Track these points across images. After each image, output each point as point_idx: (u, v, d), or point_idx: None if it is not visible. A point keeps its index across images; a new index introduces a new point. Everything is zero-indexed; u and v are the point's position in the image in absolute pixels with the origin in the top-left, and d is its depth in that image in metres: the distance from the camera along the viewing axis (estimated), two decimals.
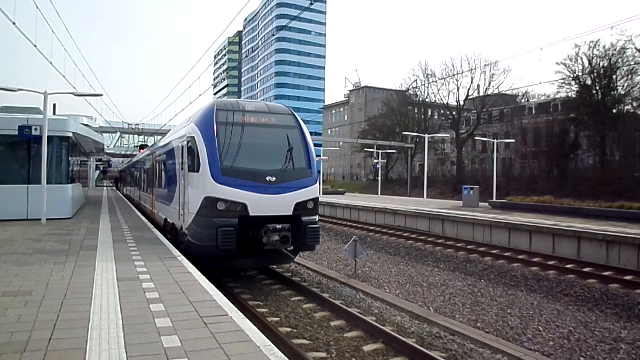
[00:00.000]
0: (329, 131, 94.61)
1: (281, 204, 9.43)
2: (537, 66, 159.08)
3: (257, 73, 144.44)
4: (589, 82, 42.50)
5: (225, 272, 11.03)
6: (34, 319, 4.89)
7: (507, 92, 56.14)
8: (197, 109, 11.43)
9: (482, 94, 56.32)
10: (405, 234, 20.47)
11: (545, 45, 68.78)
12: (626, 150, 42.13)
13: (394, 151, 58.78)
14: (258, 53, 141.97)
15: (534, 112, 53.54)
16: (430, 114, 64.18)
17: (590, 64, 41.93)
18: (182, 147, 10.91)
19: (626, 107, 43.53)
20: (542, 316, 9.04)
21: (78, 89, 21.14)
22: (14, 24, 13.21)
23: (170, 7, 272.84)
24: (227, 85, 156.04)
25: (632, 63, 40.16)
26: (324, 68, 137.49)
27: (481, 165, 54.40)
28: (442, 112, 61.52)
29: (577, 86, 43.57)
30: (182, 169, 10.81)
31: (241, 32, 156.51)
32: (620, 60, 40.86)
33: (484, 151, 54.70)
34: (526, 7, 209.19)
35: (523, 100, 59.81)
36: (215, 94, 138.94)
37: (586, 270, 13.02)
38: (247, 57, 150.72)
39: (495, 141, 34.58)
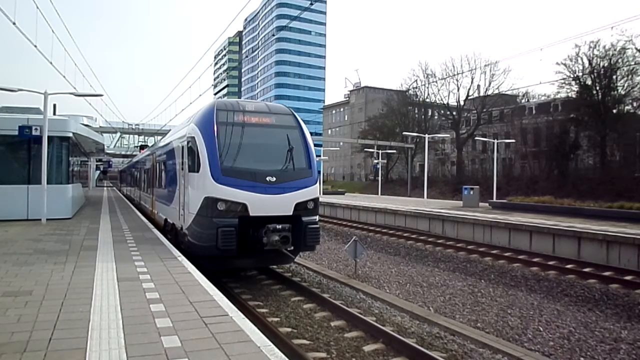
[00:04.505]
0: (329, 131, 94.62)
1: (281, 204, 9.43)
2: (537, 66, 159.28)
3: (257, 73, 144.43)
4: (589, 82, 42.52)
5: (225, 272, 11.03)
6: (34, 319, 4.89)
7: (507, 92, 56.18)
8: (197, 109, 11.44)
9: (482, 94, 56.38)
10: (405, 234, 20.46)
11: (545, 45, 68.85)
12: (626, 150, 42.13)
13: (394, 151, 58.81)
14: (258, 53, 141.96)
15: (534, 112, 53.52)
16: (430, 114, 64.23)
17: (590, 64, 41.99)
18: (182, 147, 10.91)
19: (626, 107, 43.58)
20: (542, 316, 9.04)
21: (78, 89, 21.13)
22: (14, 24, 13.21)
23: (170, 7, 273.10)
24: (227, 85, 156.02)
25: (632, 63, 40.22)
26: (324, 68, 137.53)
27: (481, 165, 54.38)
28: (442, 112, 61.57)
29: (577, 86, 43.61)
30: (182, 169, 10.81)
31: (241, 32, 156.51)
32: (620, 60, 40.90)
33: (484, 151, 54.69)
34: (526, 7, 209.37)
35: (523, 100, 59.81)
36: (215, 94, 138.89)
37: (586, 270, 13.02)
38: (247, 57, 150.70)
39: (495, 141, 34.60)
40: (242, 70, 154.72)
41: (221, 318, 5.05)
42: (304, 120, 11.11)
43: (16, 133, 13.45)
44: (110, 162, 54.07)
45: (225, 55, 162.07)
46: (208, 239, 9.02)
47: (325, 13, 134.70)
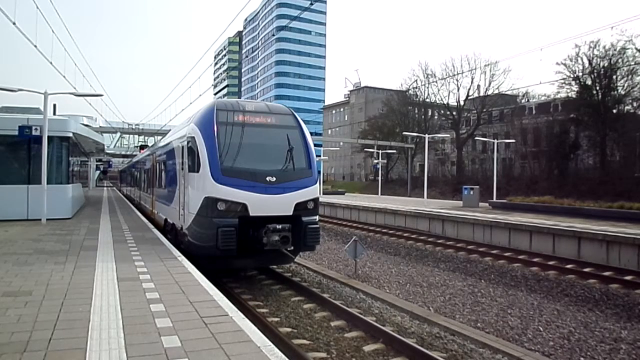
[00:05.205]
0: (329, 131, 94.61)
1: (281, 204, 9.43)
2: (537, 66, 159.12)
3: (257, 73, 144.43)
4: (589, 82, 42.54)
5: (225, 272, 11.02)
6: (34, 319, 4.89)
7: (507, 92, 56.18)
8: (197, 109, 11.44)
9: (482, 94, 56.40)
10: (405, 234, 20.46)
11: (545, 45, 68.69)
12: (626, 150, 42.15)
13: (394, 151, 58.79)
14: (258, 53, 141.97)
15: (534, 112, 53.55)
16: (430, 114, 64.24)
17: (590, 64, 42.00)
18: (182, 147, 10.91)
19: (626, 107, 43.60)
20: (542, 316, 9.04)
21: (78, 89, 21.12)
22: (14, 24, 13.21)
23: (170, 7, 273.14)
24: (227, 85, 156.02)
25: (632, 63, 40.23)
26: (324, 68, 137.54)
27: (481, 165, 54.40)
28: (442, 112, 61.58)
29: (577, 86, 43.62)
30: (182, 169, 10.81)
31: (241, 32, 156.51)
32: (620, 60, 40.92)
33: (484, 151, 54.72)
34: (526, 7, 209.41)
35: (523, 100, 59.84)
36: (215, 94, 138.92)
37: (586, 270, 13.02)
38: (247, 57, 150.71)
39: (495, 141, 34.59)
40: (242, 70, 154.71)
41: (221, 318, 5.05)
42: (304, 120, 11.11)
43: (16, 133, 13.44)
44: (110, 162, 54.09)
45: (225, 55, 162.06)
46: (208, 239, 9.02)
47: (325, 13, 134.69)
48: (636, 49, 39.62)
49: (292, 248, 9.78)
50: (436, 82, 58.77)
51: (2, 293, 5.93)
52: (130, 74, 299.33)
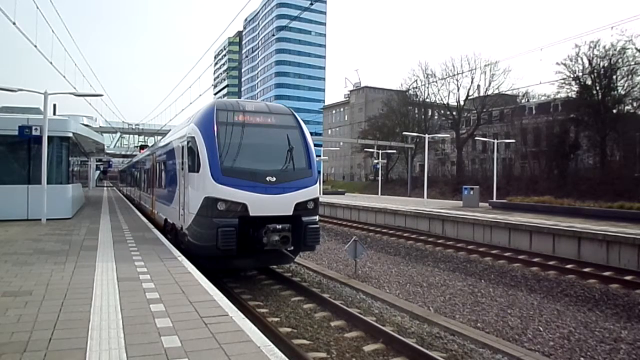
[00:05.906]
0: (329, 131, 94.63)
1: (281, 204, 9.44)
2: (537, 66, 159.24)
3: (257, 73, 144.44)
4: (589, 82, 42.53)
5: (225, 272, 11.03)
6: (34, 319, 4.88)
7: (507, 92, 56.17)
8: (197, 109, 11.44)
9: (482, 94, 56.40)
10: (405, 234, 20.45)
11: (545, 45, 68.79)
12: (626, 150, 42.15)
13: (394, 151, 58.80)
14: (258, 53, 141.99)
15: (534, 112, 53.55)
16: (430, 114, 64.25)
17: (590, 64, 42.00)
18: (182, 147, 10.91)
19: (626, 107, 43.58)
20: (542, 316, 9.04)
21: (78, 89, 21.13)
22: (14, 24, 13.21)
23: (170, 7, 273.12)
24: (227, 85, 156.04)
25: (632, 63, 40.22)
26: (324, 68, 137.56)
27: (481, 165, 54.41)
28: (442, 112, 61.58)
29: (577, 86, 43.62)
30: (182, 169, 10.81)
31: (241, 32, 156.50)
32: (620, 60, 40.91)
33: (484, 151, 54.72)
34: (526, 7, 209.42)
35: (523, 100, 59.83)
36: (215, 94, 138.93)
37: (586, 270, 13.02)
38: (247, 57, 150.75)
39: (495, 141, 34.60)
40: (242, 70, 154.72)
41: (221, 318, 5.05)
42: (304, 120, 11.11)
43: (16, 133, 13.44)
44: (110, 162, 54.07)
45: (225, 55, 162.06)
46: (208, 239, 9.03)
47: (325, 13, 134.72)
48: (636, 49, 39.66)
49: (292, 248, 9.78)
50: (436, 82, 58.86)
51: (2, 293, 5.93)
52: (130, 74, 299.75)
